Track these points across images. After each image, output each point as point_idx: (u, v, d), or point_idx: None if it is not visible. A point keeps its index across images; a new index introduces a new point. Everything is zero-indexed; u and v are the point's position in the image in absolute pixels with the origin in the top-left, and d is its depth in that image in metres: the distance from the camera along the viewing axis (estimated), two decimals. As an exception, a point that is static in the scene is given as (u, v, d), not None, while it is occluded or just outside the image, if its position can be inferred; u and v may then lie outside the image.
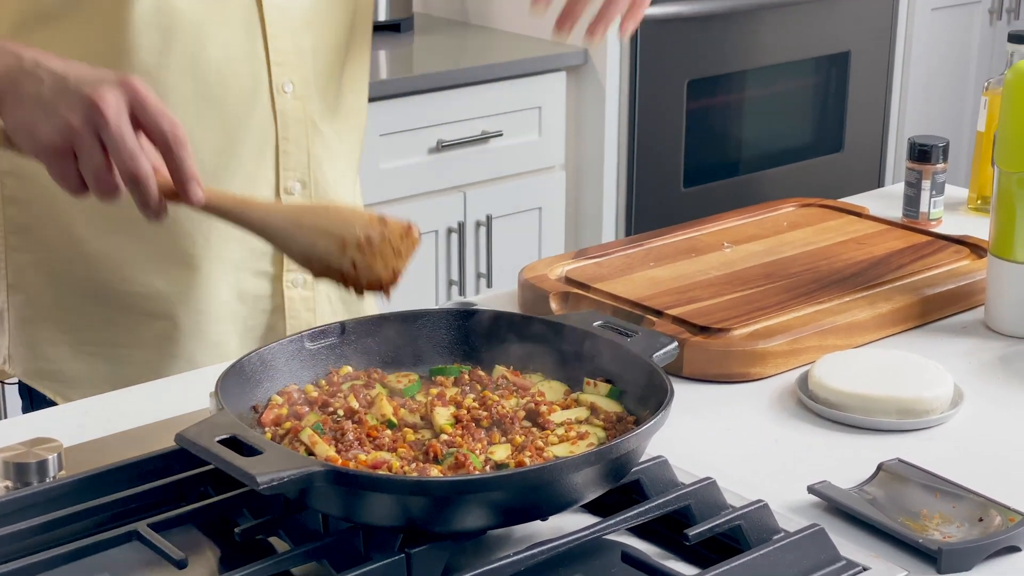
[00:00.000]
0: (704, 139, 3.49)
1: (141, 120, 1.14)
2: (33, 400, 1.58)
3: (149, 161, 1.14)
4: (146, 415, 1.35)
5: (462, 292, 3.10)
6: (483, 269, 3.13)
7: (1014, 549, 1.12)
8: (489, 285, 3.12)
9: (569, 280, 1.60)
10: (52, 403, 1.53)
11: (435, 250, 3.05)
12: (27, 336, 1.56)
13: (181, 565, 1.04)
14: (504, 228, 3.14)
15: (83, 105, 1.13)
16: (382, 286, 1.16)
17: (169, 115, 1.14)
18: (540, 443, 1.14)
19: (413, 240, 1.14)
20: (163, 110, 1.14)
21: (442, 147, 2.95)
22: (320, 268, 1.17)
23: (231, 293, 1.55)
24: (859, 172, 3.85)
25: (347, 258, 1.15)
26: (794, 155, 3.71)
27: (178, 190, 1.16)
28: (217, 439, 1.04)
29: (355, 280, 1.16)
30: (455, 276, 3.09)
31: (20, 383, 1.61)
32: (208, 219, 1.45)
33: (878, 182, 3.89)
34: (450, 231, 3.05)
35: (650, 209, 3.39)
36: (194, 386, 1.41)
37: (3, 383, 1.63)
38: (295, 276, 1.57)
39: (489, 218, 3.09)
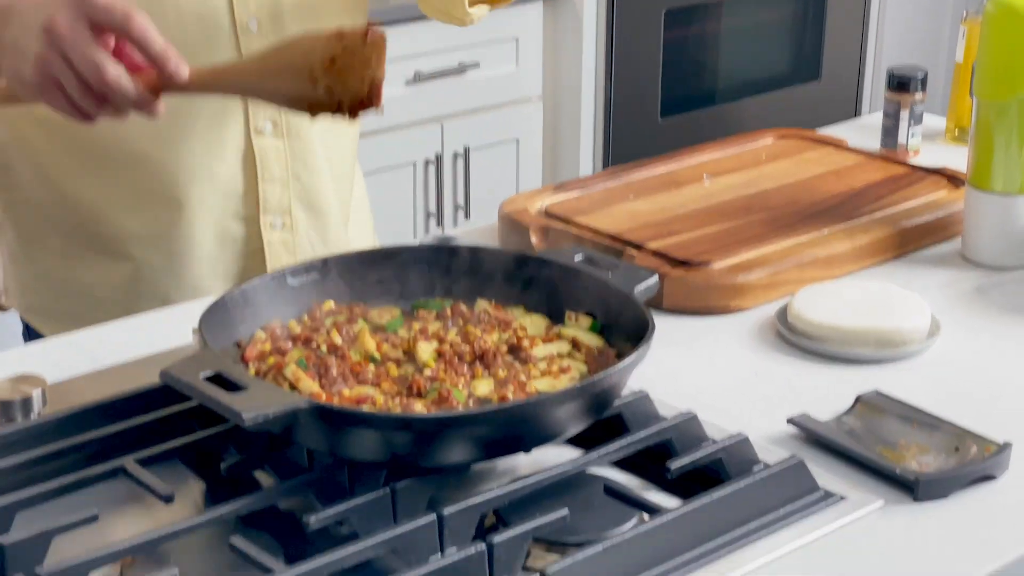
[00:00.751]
0: (681, 69, 3.48)
1: (96, 22, 1.14)
2: (31, 334, 1.59)
3: (118, 63, 1.14)
4: (129, 350, 1.36)
5: (440, 224, 3.10)
6: (461, 201, 3.12)
7: (989, 478, 1.13)
8: (467, 216, 3.12)
9: (549, 214, 1.60)
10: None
11: (413, 182, 3.05)
12: (18, 272, 1.57)
13: (168, 499, 1.05)
14: (482, 160, 3.13)
15: (41, 33, 1.14)
16: (366, 102, 1.15)
17: (120, 4, 1.14)
18: (523, 377, 1.15)
19: (376, 42, 1.10)
20: (112, 3, 1.13)
21: (419, 79, 2.94)
22: (304, 106, 1.15)
23: (211, 235, 1.54)
24: (836, 101, 3.85)
25: (321, 87, 1.13)
26: (771, 84, 3.70)
27: (159, 73, 1.15)
28: (202, 376, 1.05)
29: (339, 105, 1.15)
30: (432, 208, 3.09)
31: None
32: (193, 160, 1.45)
33: (855, 110, 3.89)
34: (428, 163, 3.05)
35: (628, 139, 3.39)
36: (176, 322, 1.41)
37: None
38: (274, 219, 1.56)
39: (467, 149, 3.08)
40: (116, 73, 1.15)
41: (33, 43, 1.15)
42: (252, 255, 1.57)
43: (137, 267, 1.53)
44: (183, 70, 1.16)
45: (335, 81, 1.13)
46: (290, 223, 1.57)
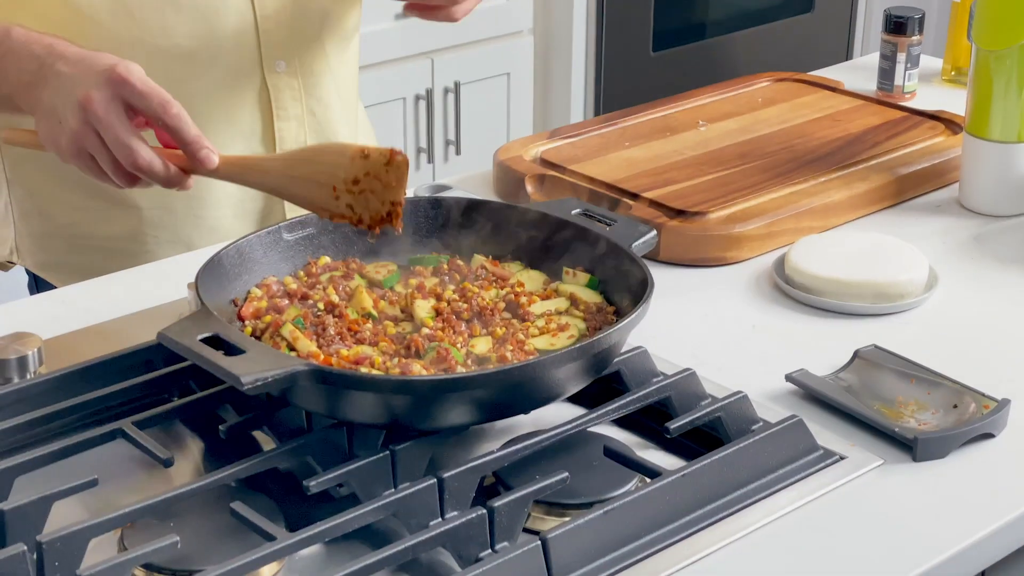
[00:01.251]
0: (673, 2, 3.45)
1: (133, 106, 1.16)
2: (40, 289, 1.58)
3: (150, 146, 1.17)
4: (123, 305, 1.35)
5: (431, 160, 3.08)
6: (452, 136, 3.10)
7: (988, 436, 1.13)
8: (458, 152, 3.10)
9: (544, 162, 1.59)
10: None
11: (403, 118, 3.03)
12: (29, 228, 1.56)
13: (167, 463, 1.04)
14: (472, 95, 3.11)
15: (77, 109, 1.16)
16: (385, 219, 1.16)
17: (157, 93, 1.16)
18: (521, 336, 1.14)
19: (398, 167, 1.13)
20: (150, 90, 1.16)
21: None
22: (326, 214, 1.18)
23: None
24: (830, 33, 3.82)
25: (343, 203, 1.15)
26: (764, 16, 3.67)
27: (189, 160, 1.17)
28: (199, 337, 1.04)
29: (360, 220, 1.16)
30: (423, 144, 3.07)
31: (27, 271, 1.60)
32: (210, 104, 1.43)
33: (848, 43, 3.86)
34: (418, 98, 3.02)
35: (619, 74, 3.36)
36: (170, 275, 1.40)
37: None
38: None
39: (457, 84, 3.06)
40: (148, 158, 1.16)
41: (69, 115, 1.17)
42: (269, 195, 1.56)
43: (151, 214, 1.52)
44: (212, 159, 1.17)
45: (357, 200, 1.15)
46: None
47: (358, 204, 1.15)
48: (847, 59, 3.85)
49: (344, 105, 1.60)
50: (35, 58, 1.22)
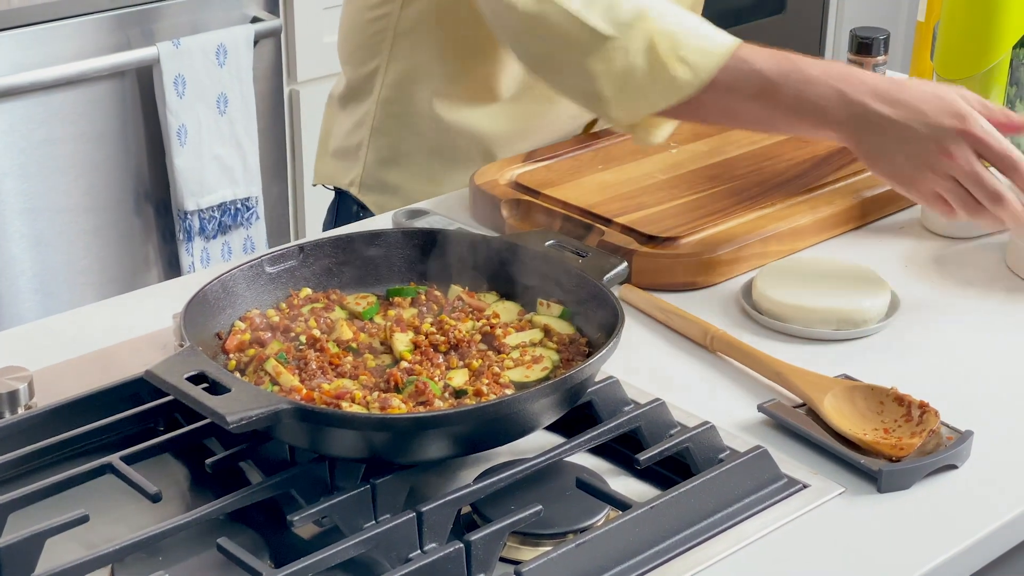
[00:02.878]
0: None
1: (984, 155, 1.35)
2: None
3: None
4: (110, 334, 1.38)
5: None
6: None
7: (951, 467, 1.18)
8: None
9: (519, 185, 1.63)
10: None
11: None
12: (379, 174, 1.80)
13: (156, 499, 1.08)
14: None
15: (935, 163, 1.36)
16: None
17: (1005, 147, 1.35)
18: (496, 368, 1.18)
19: None
20: (1002, 148, 1.35)
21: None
22: None
23: None
24: (800, 33, 3.86)
25: None
26: (738, 17, 3.71)
27: None
28: (186, 376, 1.08)
29: None
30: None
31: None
32: None
33: (819, 44, 3.91)
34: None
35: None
36: (154, 301, 1.44)
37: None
38: None
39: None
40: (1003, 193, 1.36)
41: (923, 156, 1.36)
42: None
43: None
44: None
45: None
46: None
47: None
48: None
49: None
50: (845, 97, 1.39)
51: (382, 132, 1.79)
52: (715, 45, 1.42)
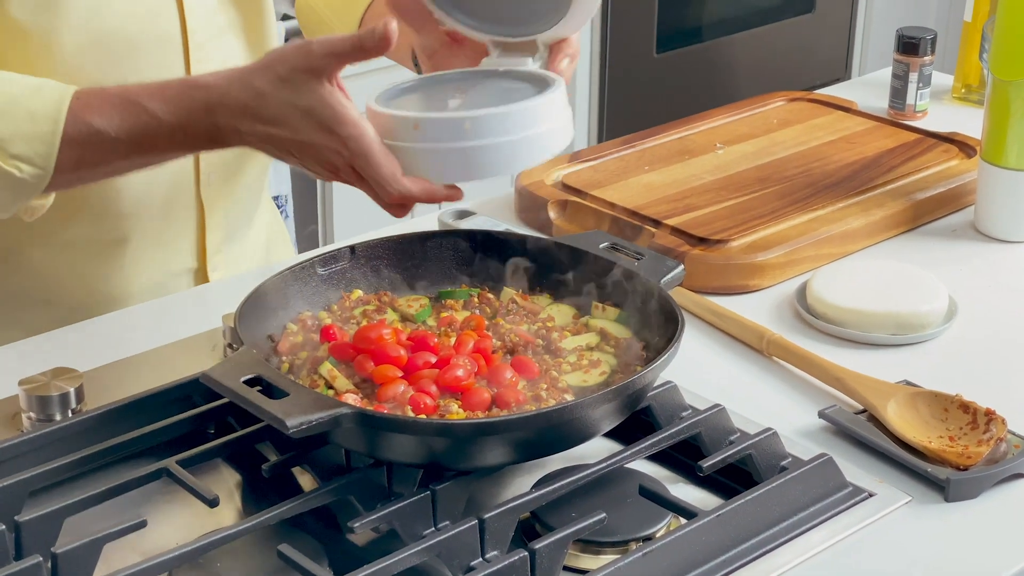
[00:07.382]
0: (677, 3, 3.47)
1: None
2: None
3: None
4: (156, 335, 1.36)
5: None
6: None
7: (1019, 476, 1.15)
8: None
9: (566, 186, 1.61)
10: None
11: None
12: None
13: (213, 504, 1.06)
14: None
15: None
16: None
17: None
18: (554, 373, 1.16)
19: None
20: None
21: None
22: None
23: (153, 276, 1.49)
24: (830, 33, 3.84)
25: None
26: (766, 17, 3.69)
27: None
28: (243, 379, 1.06)
29: None
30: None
31: None
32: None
33: (848, 43, 3.88)
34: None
35: (623, 76, 3.38)
36: (201, 302, 1.42)
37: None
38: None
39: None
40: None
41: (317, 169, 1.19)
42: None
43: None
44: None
45: None
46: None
47: None
48: (847, 58, 3.87)
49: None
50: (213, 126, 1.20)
51: None
52: (42, 125, 1.21)
